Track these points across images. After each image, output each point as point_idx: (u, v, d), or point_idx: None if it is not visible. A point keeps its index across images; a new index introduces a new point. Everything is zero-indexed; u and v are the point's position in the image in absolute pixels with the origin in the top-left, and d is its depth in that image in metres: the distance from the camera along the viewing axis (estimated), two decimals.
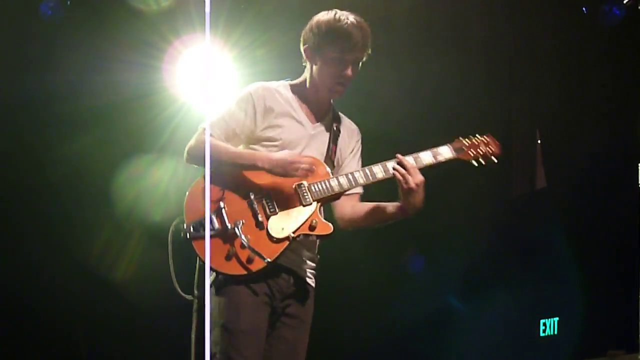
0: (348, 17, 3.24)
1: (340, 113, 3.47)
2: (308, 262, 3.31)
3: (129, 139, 5.63)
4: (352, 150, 3.45)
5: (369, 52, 3.28)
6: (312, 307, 3.34)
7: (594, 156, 5.41)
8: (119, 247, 5.74)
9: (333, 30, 3.22)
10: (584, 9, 5.27)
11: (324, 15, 3.28)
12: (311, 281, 3.33)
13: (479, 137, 3.36)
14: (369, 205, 3.37)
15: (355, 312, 5.92)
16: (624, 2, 2.39)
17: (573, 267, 5.45)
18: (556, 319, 5.46)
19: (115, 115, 5.55)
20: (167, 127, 5.52)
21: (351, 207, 3.39)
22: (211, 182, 3.13)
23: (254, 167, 3.17)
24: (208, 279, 2.83)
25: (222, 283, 3.15)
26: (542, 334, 5.50)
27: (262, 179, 3.18)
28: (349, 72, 3.25)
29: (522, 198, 6.10)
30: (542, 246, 5.74)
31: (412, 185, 3.16)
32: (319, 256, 3.38)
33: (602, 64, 5.28)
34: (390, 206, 3.30)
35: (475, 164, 3.30)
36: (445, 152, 3.30)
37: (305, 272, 3.31)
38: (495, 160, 3.33)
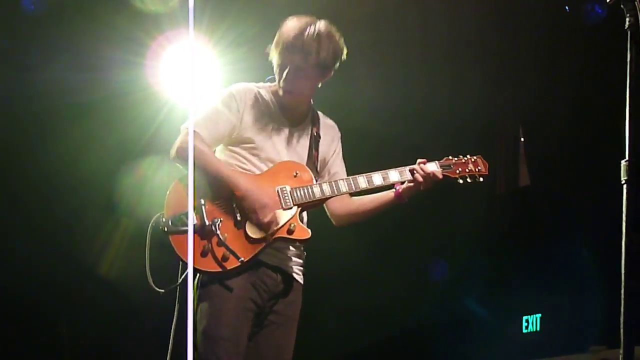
0: (298, 25, 3.23)
1: (318, 112, 3.47)
2: (295, 259, 3.32)
3: (112, 136, 5.60)
4: (334, 151, 3.47)
5: (317, 62, 3.22)
6: (300, 304, 3.35)
7: (577, 154, 5.44)
8: (103, 242, 5.71)
9: (283, 29, 3.27)
10: (566, 7, 5.29)
11: (285, 22, 3.30)
12: (299, 278, 3.34)
13: (468, 157, 3.43)
14: (362, 198, 3.39)
15: (342, 307, 5.91)
16: (607, 0, 2.40)
17: (555, 263, 5.49)
18: (538, 315, 5.49)
19: (98, 112, 5.51)
20: (151, 125, 5.50)
21: (343, 203, 3.41)
22: (194, 180, 3.15)
23: (235, 189, 3.17)
24: (191, 275, 2.84)
25: (206, 284, 3.16)
26: (524, 331, 5.53)
27: (248, 181, 3.20)
28: (287, 76, 3.24)
29: (504, 196, 6.13)
30: (523, 243, 5.77)
31: (423, 187, 3.29)
32: (305, 253, 3.39)
33: (585, 62, 5.30)
34: (384, 196, 3.35)
35: (461, 182, 3.38)
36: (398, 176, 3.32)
37: (293, 269, 3.31)
38: (482, 180, 3.41)
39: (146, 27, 5.28)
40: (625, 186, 2.33)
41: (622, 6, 2.39)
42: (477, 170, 3.40)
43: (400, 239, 5.84)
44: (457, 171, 3.38)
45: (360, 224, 3.51)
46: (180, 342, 3.01)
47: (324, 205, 3.40)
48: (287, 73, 3.24)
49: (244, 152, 3.28)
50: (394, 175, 3.29)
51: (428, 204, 4.96)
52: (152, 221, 3.18)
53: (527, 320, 5.53)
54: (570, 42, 5.37)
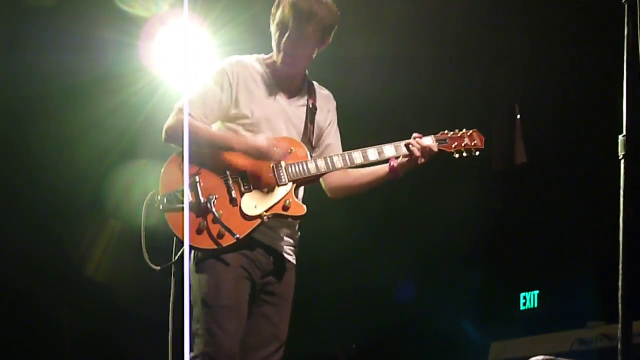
0: None
1: (314, 83, 3.43)
2: (287, 239, 3.31)
3: (105, 118, 5.57)
4: (330, 122, 3.44)
5: (319, 25, 3.20)
6: (293, 284, 3.34)
7: (573, 129, 5.43)
8: (99, 222, 5.70)
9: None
10: None
11: None
12: (291, 258, 3.33)
13: (464, 131, 3.40)
14: (357, 172, 3.37)
15: (337, 287, 5.93)
16: None
17: (553, 239, 5.49)
18: (536, 292, 5.51)
19: (91, 94, 5.48)
20: (144, 106, 5.47)
21: (338, 176, 3.39)
22: (189, 157, 3.12)
23: (230, 149, 3.18)
24: (187, 253, 2.84)
25: (201, 259, 3.15)
26: (522, 307, 5.55)
27: (240, 156, 3.19)
28: (288, 42, 3.20)
29: (502, 173, 6.13)
30: (522, 220, 5.78)
31: (420, 162, 3.27)
32: (299, 233, 3.38)
33: (582, 38, 5.28)
34: (379, 170, 3.33)
35: (457, 156, 3.36)
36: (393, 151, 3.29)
37: (284, 249, 3.30)
38: (477, 154, 3.39)
39: (139, 6, 5.23)
40: (622, 161, 2.32)
41: None
42: (472, 144, 3.38)
43: (396, 217, 5.85)
44: (453, 145, 3.36)
45: (356, 202, 3.48)
46: (179, 316, 3.02)
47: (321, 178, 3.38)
48: (287, 36, 3.20)
49: (239, 129, 3.25)
50: (389, 150, 3.27)
51: (424, 181, 4.96)
52: (147, 198, 3.17)
53: (524, 297, 5.55)
54: (566, 17, 5.34)
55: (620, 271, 2.23)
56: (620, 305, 2.25)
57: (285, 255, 3.30)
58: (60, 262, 5.72)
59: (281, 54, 3.24)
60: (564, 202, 5.44)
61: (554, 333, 5.01)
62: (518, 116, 6.02)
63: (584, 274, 5.13)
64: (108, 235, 5.72)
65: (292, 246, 3.34)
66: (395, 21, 5.42)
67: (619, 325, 2.25)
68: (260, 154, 3.17)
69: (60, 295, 5.82)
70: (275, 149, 3.16)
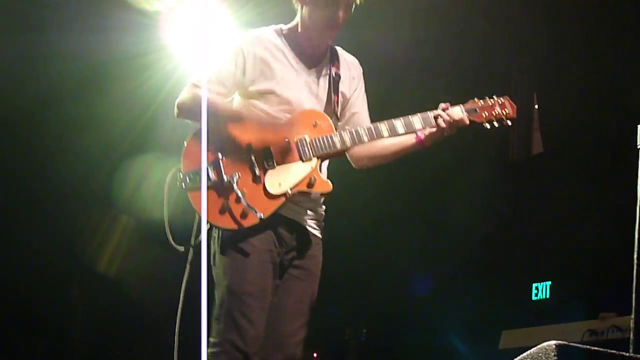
0: None
1: (337, 48, 3.32)
2: (311, 213, 3.22)
3: (126, 98, 5.59)
4: (355, 90, 3.32)
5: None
6: (320, 259, 3.25)
7: (591, 118, 5.40)
8: (128, 194, 5.70)
9: None
10: None
11: None
12: (317, 232, 3.24)
13: (495, 98, 3.21)
14: (383, 141, 3.22)
15: (353, 267, 5.92)
16: None
17: (566, 230, 5.48)
18: (548, 282, 5.50)
19: (111, 74, 5.50)
20: (164, 86, 5.48)
21: (364, 146, 3.24)
22: (210, 134, 3.04)
23: (240, 119, 3.09)
24: (205, 235, 2.80)
25: (227, 241, 3.09)
26: (534, 298, 5.55)
27: (263, 132, 3.10)
28: (340, 13, 3.11)
29: (518, 163, 6.11)
30: (535, 210, 5.76)
31: (447, 134, 3.12)
32: (324, 207, 3.28)
33: (601, 27, 5.24)
34: (406, 141, 3.19)
35: (488, 127, 3.17)
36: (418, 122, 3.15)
37: (308, 223, 3.21)
38: (510, 124, 3.19)
39: None
40: None
41: None
42: (504, 112, 3.18)
43: (413, 205, 5.84)
44: (484, 115, 3.16)
45: (380, 185, 3.37)
46: (191, 302, 3.02)
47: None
48: (333, 9, 3.10)
49: (260, 104, 3.16)
50: (417, 122, 3.12)
51: (442, 168, 4.93)
52: (168, 177, 3.10)
53: (537, 288, 5.54)
54: (585, 8, 5.31)
55: (636, 262, 2.23)
56: (634, 297, 2.25)
57: (310, 229, 3.21)
58: (77, 252, 5.74)
59: (317, 25, 3.14)
60: (577, 194, 5.42)
61: (565, 324, 5.01)
62: (536, 106, 6.00)
63: (596, 265, 5.12)
64: (127, 219, 5.73)
65: (317, 220, 3.25)
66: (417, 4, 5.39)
67: (632, 317, 2.25)
68: (271, 121, 3.10)
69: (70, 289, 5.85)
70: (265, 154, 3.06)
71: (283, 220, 3.13)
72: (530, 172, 5.97)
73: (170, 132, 5.35)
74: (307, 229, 3.21)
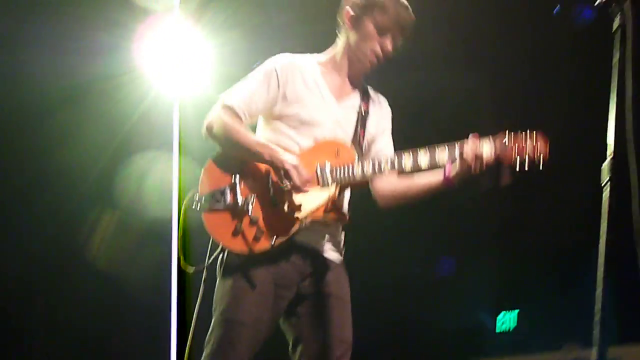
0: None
1: (369, 87, 3.32)
2: (329, 237, 3.14)
3: (99, 120, 5.55)
4: (382, 130, 3.29)
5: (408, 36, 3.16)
6: (346, 283, 3.15)
7: (564, 153, 5.44)
8: (97, 228, 5.68)
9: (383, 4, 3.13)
10: (554, 10, 5.30)
11: None
12: (335, 256, 3.15)
13: (527, 132, 2.97)
14: (410, 179, 3.13)
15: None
16: (595, 3, 2.40)
17: (531, 261, 5.51)
18: (515, 312, 5.52)
19: (84, 96, 5.45)
20: (137, 108, 5.46)
21: (389, 183, 3.18)
22: (230, 158, 3.08)
23: (260, 160, 3.05)
24: (175, 272, 2.76)
25: (232, 266, 3.04)
26: (499, 328, 5.57)
27: (283, 158, 3.03)
28: (389, 44, 3.14)
29: (487, 193, 6.13)
30: (502, 241, 5.80)
31: (475, 171, 2.97)
32: (344, 232, 3.22)
33: (574, 63, 5.32)
34: (433, 178, 3.06)
35: (518, 168, 2.94)
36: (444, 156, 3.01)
37: (325, 248, 3.13)
38: (541, 165, 2.95)
39: (132, 8, 5.22)
40: (606, 186, 2.34)
41: (609, 9, 2.39)
42: (536, 150, 2.95)
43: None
44: (514, 152, 2.93)
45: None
46: (203, 321, 3.05)
47: (370, 183, 3.20)
48: (387, 33, 3.13)
49: (285, 128, 3.14)
50: (442, 154, 2.98)
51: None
52: (186, 199, 3.07)
53: (503, 316, 5.57)
54: (560, 44, 5.39)
55: (598, 295, 2.24)
56: (596, 330, 2.26)
57: (327, 255, 3.13)
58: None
59: (361, 52, 3.16)
60: (544, 223, 5.46)
61: (529, 354, 5.03)
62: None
63: (564, 295, 5.15)
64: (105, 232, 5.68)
65: (336, 245, 3.17)
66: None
67: (594, 350, 2.26)
68: (291, 151, 3.04)
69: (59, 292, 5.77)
70: (301, 172, 2.99)
71: (298, 247, 3.06)
72: (493, 200, 6.00)
73: (143, 154, 5.34)
74: (322, 255, 3.13)
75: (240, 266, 3.02)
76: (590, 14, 5.20)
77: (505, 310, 5.55)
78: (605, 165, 2.34)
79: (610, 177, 2.31)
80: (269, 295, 3.03)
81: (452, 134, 3.09)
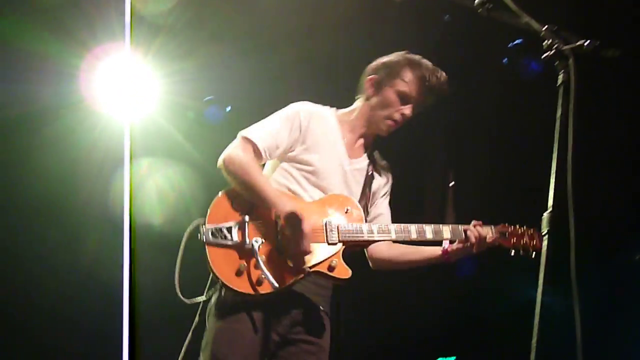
0: (429, 63, 3.30)
1: (376, 152, 3.41)
2: (320, 288, 3.19)
3: (46, 150, 5.44)
4: (384, 194, 3.39)
5: (432, 102, 3.30)
6: (328, 334, 3.21)
7: (506, 203, 5.52)
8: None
9: (414, 65, 3.26)
10: (504, 59, 5.40)
11: (414, 55, 3.32)
12: (324, 306, 3.21)
13: (524, 228, 3.37)
14: (407, 247, 3.26)
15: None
16: (542, 56, 2.46)
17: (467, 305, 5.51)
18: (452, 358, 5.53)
19: (30, 126, 5.35)
20: (87, 138, 5.38)
21: (386, 247, 3.29)
22: (242, 196, 3.07)
23: (264, 203, 3.05)
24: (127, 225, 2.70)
25: (226, 303, 3.04)
26: None
27: (294, 206, 3.05)
28: (409, 111, 3.25)
29: None
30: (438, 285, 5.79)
31: (474, 251, 3.20)
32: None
33: (519, 114, 5.41)
34: (430, 251, 3.24)
35: (512, 253, 3.30)
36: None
37: (315, 297, 3.18)
38: (533, 256, 3.32)
39: (81, 37, 5.16)
40: (546, 237, 2.37)
41: (555, 63, 2.45)
42: (532, 243, 3.35)
43: None
44: (512, 240, 3.31)
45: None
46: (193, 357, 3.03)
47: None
48: (406, 102, 3.25)
49: (297, 173, 3.18)
50: (446, 231, 3.19)
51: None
52: (191, 226, 3.03)
53: None
54: (507, 96, 5.48)
55: (533, 345, 2.26)
56: None
57: (317, 304, 3.18)
58: None
59: (378, 117, 3.26)
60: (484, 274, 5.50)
61: None
62: (452, 183, 6.10)
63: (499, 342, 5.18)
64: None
65: (325, 295, 3.22)
66: None
67: None
68: (291, 230, 3.02)
69: None
70: (303, 242, 2.99)
71: (294, 295, 3.08)
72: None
73: (93, 185, 5.25)
74: (314, 304, 3.16)
75: (237, 306, 3.02)
76: (537, 67, 5.31)
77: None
78: (545, 217, 2.37)
79: (548, 230, 2.35)
80: (260, 338, 3.04)
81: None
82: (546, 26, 2.48)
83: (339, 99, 3.44)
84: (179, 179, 5.52)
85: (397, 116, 3.25)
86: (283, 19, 4.93)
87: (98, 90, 5.36)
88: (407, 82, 3.23)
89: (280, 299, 3.04)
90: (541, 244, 2.96)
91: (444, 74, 3.28)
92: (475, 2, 2.60)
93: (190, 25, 5.20)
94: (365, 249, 3.30)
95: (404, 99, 3.24)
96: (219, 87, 5.49)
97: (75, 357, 5.45)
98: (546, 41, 2.45)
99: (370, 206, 3.33)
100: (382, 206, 3.36)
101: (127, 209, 3.10)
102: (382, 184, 3.37)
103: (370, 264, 3.35)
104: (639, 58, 4.39)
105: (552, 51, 2.44)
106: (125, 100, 5.37)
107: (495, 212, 5.52)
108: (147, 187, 5.48)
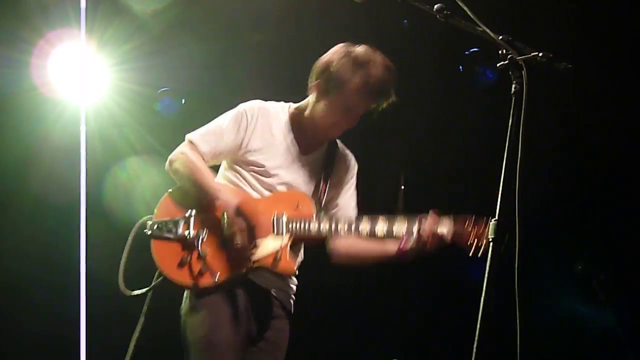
0: (382, 61, 3.13)
1: (338, 142, 3.35)
2: (283, 284, 3.19)
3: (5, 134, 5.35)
4: (345, 186, 3.34)
5: (390, 100, 3.17)
6: (288, 333, 3.21)
7: (457, 208, 5.56)
8: None
9: (359, 67, 3.10)
10: (460, 67, 5.44)
11: (358, 51, 3.14)
12: (287, 304, 3.21)
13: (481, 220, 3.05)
14: (366, 243, 3.18)
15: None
16: (497, 65, 2.50)
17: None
18: None
19: None
20: (40, 127, 5.30)
21: (346, 242, 3.23)
22: (190, 193, 3.12)
23: (223, 204, 3.06)
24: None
25: (201, 297, 3.06)
26: None
27: (242, 202, 3.07)
28: (354, 122, 3.18)
29: None
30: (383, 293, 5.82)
31: (429, 249, 3.06)
32: (296, 281, 3.27)
33: (474, 121, 5.45)
34: (389, 247, 3.13)
35: (470, 254, 3.01)
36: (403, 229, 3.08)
37: (278, 294, 3.18)
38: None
39: (35, 23, 5.08)
40: (491, 244, 2.40)
41: (510, 72, 2.48)
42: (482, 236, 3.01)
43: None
44: (469, 238, 3.02)
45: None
46: (142, 348, 3.08)
47: (328, 238, 3.24)
48: (352, 112, 3.15)
49: (247, 175, 3.17)
50: (400, 226, 3.07)
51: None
52: (139, 222, 3.11)
53: None
54: (463, 103, 5.53)
55: (475, 350, 2.29)
56: None
57: (280, 301, 3.18)
58: None
59: (328, 120, 3.17)
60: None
61: None
62: (402, 187, 6.13)
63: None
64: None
65: (287, 292, 3.22)
66: None
67: None
68: (229, 217, 3.04)
69: None
70: (235, 225, 3.01)
71: (255, 288, 3.08)
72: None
73: (46, 176, 5.17)
74: (277, 300, 3.16)
75: (213, 297, 3.04)
76: (493, 75, 5.37)
77: None
78: (491, 224, 2.41)
79: (493, 238, 2.38)
80: (238, 325, 3.06)
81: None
82: (501, 36, 2.50)
83: (297, 89, 3.36)
84: (134, 166, 5.48)
85: (342, 125, 3.21)
86: (243, 6, 4.92)
87: (52, 77, 5.29)
88: (351, 91, 3.11)
89: (244, 289, 3.06)
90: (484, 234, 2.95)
91: (392, 67, 3.14)
92: (435, 7, 2.62)
93: (148, 11, 5.15)
94: (326, 244, 3.28)
95: (348, 109, 3.16)
96: (175, 75, 5.46)
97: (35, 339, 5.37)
98: (501, 51, 2.48)
99: (329, 199, 3.30)
100: (343, 199, 3.32)
101: (84, 197, 3.11)
102: (341, 175, 3.33)
103: (331, 259, 3.32)
104: (589, 72, 4.46)
105: (507, 61, 2.47)
106: (80, 87, 5.32)
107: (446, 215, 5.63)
108: (103, 174, 5.44)
